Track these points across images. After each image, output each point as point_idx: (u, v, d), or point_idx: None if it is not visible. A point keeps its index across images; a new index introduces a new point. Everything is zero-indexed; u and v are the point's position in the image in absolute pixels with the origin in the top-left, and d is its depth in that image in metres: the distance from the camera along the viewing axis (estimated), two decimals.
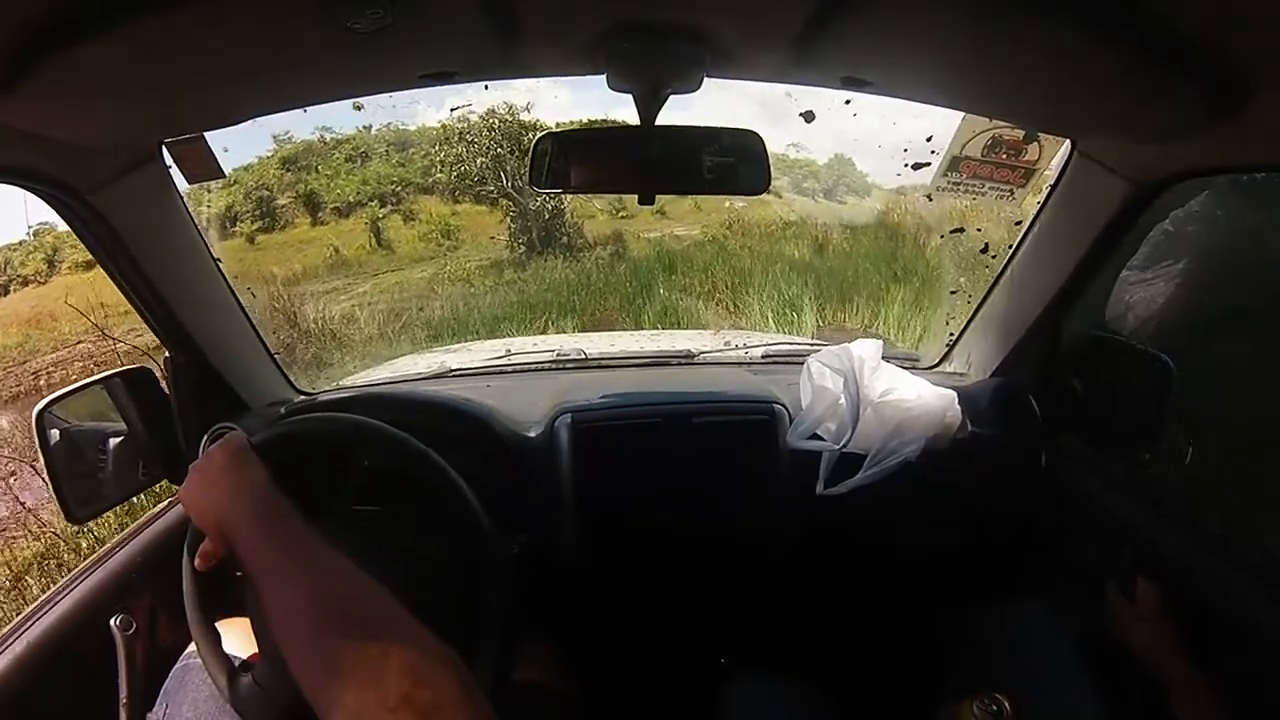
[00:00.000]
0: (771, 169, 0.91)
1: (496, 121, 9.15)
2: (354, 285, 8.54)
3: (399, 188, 10.05)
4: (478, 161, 9.22)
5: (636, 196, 0.93)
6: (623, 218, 9.81)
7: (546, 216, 9.06)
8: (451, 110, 9.27)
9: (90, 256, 0.95)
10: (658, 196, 0.95)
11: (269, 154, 10.32)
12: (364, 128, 10.40)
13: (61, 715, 0.86)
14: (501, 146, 9.08)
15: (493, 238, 9.28)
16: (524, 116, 9.33)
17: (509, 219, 9.24)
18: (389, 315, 6.97)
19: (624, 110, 0.82)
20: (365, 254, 9.50)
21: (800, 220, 9.22)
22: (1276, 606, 0.83)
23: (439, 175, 9.65)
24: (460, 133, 9.29)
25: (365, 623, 0.49)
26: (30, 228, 10.35)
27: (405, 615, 0.50)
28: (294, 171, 10.34)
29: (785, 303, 6.37)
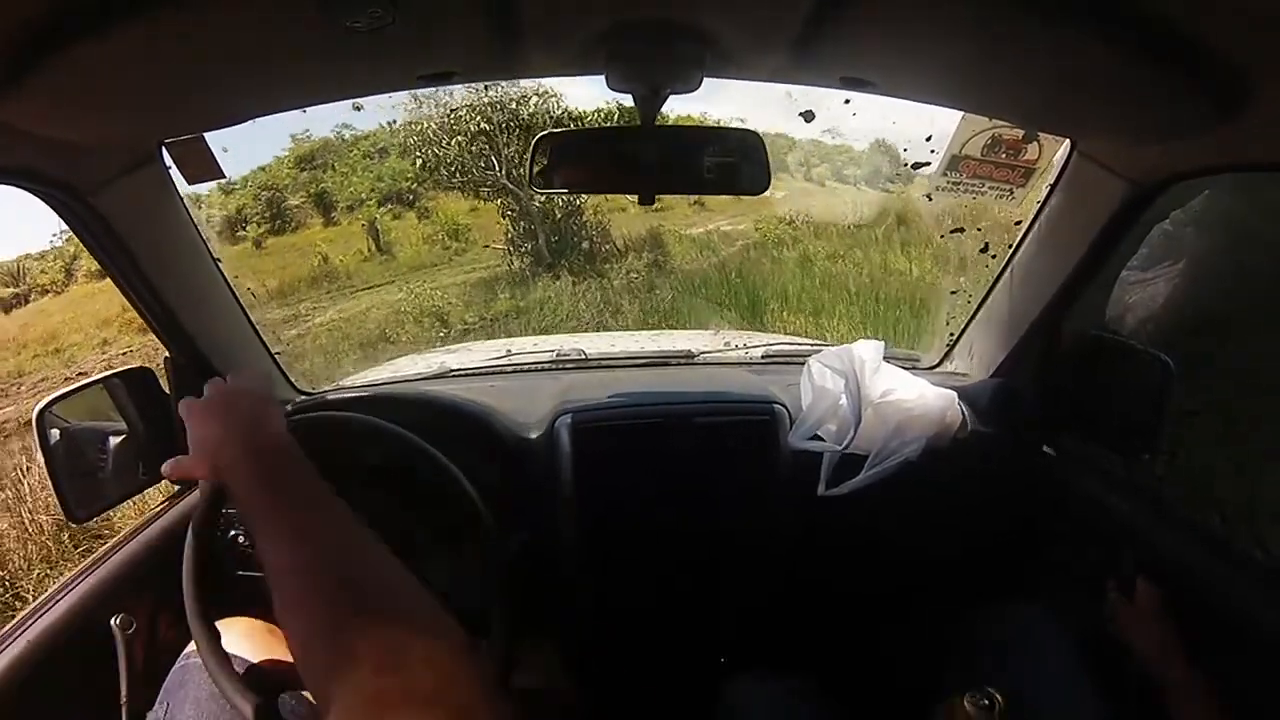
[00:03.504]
0: (771, 168, 0.91)
1: (498, 109, 7.67)
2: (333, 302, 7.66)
3: (412, 184, 9.16)
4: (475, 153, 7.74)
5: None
6: (656, 211, 8.29)
7: (558, 217, 7.60)
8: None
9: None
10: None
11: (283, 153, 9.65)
12: (388, 124, 9.55)
13: (61, 714, 0.86)
14: (503, 137, 7.58)
15: (487, 246, 8.14)
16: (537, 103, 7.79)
17: (511, 220, 7.81)
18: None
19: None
20: (360, 261, 8.59)
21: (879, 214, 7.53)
22: (1276, 606, 0.83)
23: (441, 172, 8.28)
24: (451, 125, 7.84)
25: (384, 594, 0.45)
26: (55, 235, 10.20)
27: (425, 593, 0.46)
28: (309, 170, 9.72)
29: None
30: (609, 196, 7.69)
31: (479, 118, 7.53)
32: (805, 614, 1.28)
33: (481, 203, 8.39)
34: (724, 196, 7.80)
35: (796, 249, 7.51)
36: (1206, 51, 0.55)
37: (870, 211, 7.82)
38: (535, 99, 7.61)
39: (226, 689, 0.76)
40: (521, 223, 7.85)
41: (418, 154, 8.04)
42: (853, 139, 9.74)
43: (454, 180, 7.98)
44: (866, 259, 6.81)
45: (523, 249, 7.89)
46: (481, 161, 7.72)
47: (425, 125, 7.81)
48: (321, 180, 9.65)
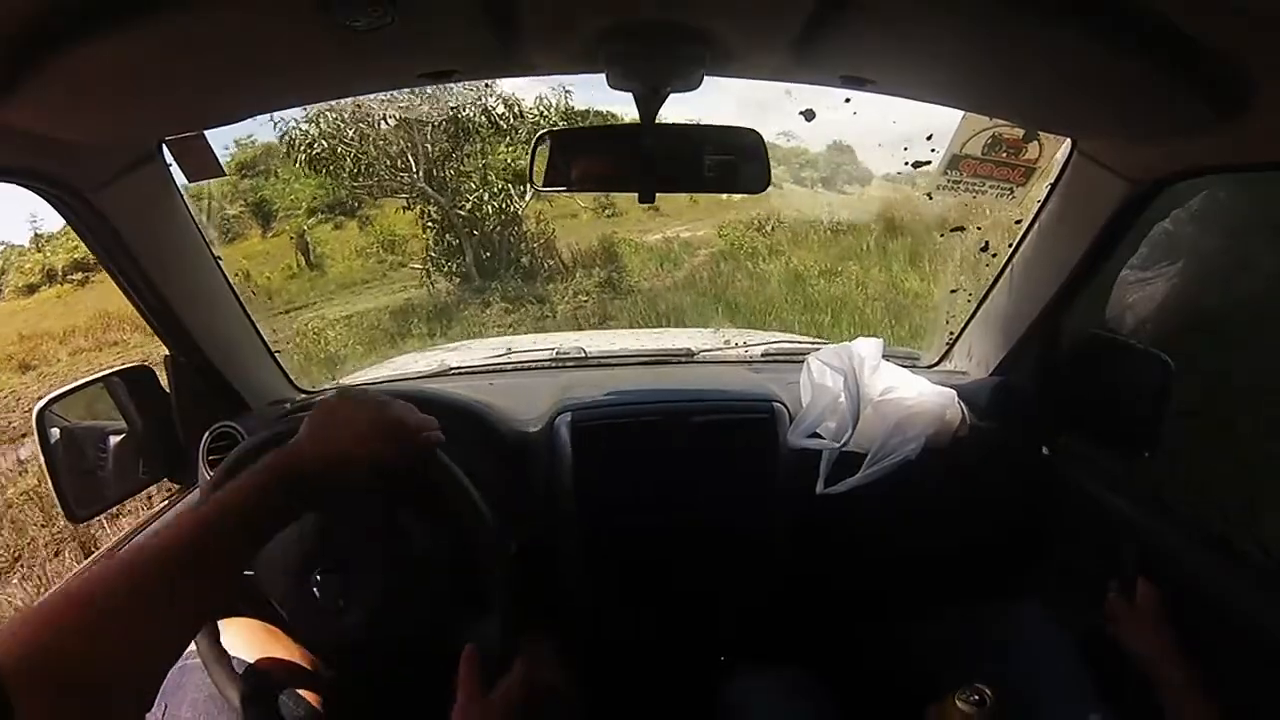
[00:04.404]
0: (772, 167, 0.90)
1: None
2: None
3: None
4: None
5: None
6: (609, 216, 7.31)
7: (490, 227, 6.09)
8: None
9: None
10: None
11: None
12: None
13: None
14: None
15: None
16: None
17: (433, 232, 6.27)
18: None
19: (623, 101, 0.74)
20: (287, 278, 7.37)
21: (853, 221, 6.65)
22: (1276, 606, 0.84)
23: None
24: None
25: None
26: (33, 224, 9.69)
27: None
28: (251, 178, 8.36)
29: None
30: (554, 201, 7.04)
31: (392, 106, 6.07)
32: (804, 612, 1.29)
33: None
34: (679, 201, 7.45)
35: (776, 261, 6.45)
36: (1206, 51, 0.55)
37: (848, 215, 7.10)
38: (462, 86, 6.32)
39: (225, 688, 0.77)
40: (446, 236, 6.46)
41: (319, 150, 6.43)
42: (809, 142, 9.37)
43: (357, 183, 6.61)
44: (865, 273, 5.98)
45: (446, 268, 6.49)
46: (389, 160, 6.25)
47: (337, 115, 6.30)
48: (261, 188, 8.54)
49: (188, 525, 0.57)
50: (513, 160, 6.82)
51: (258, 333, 1.20)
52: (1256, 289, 1.15)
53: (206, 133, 0.92)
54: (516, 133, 6.65)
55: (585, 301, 6.03)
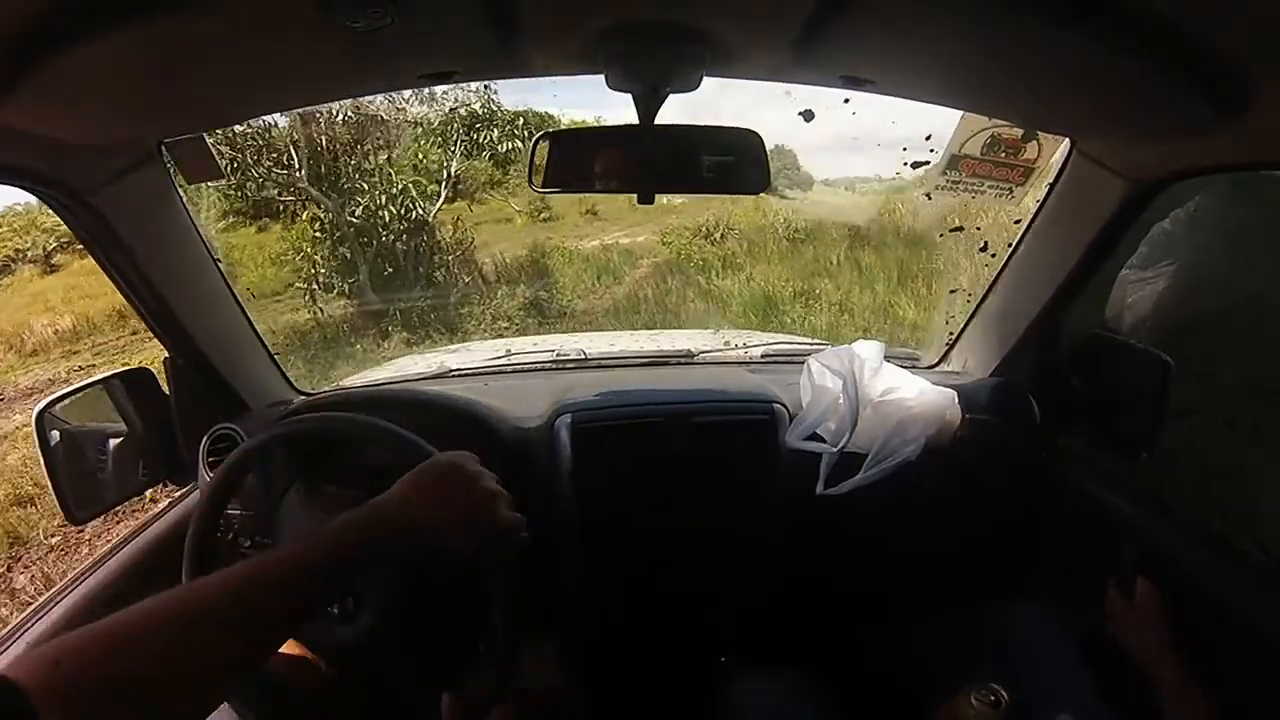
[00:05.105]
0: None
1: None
2: None
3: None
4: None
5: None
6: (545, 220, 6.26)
7: (387, 237, 4.96)
8: None
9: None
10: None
11: None
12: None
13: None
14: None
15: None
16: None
17: (318, 244, 5.06)
18: None
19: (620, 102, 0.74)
20: None
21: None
22: (1276, 607, 0.84)
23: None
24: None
25: None
26: None
27: None
28: None
29: None
30: (489, 203, 6.37)
31: None
32: (805, 613, 1.29)
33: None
34: (617, 202, 6.72)
35: (734, 276, 5.30)
36: (1206, 51, 0.56)
37: (803, 223, 6.34)
38: None
39: None
40: (339, 248, 5.20)
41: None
42: None
43: (230, 186, 5.53)
44: (847, 296, 5.08)
45: (337, 287, 5.16)
46: (274, 154, 5.07)
47: None
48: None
49: (276, 561, 0.57)
50: (423, 156, 5.93)
51: (257, 334, 1.20)
52: (1258, 288, 1.15)
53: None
54: (431, 124, 5.97)
55: (506, 329, 4.89)
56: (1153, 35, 0.54)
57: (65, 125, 0.73)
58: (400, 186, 5.50)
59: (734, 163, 0.89)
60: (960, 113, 1.08)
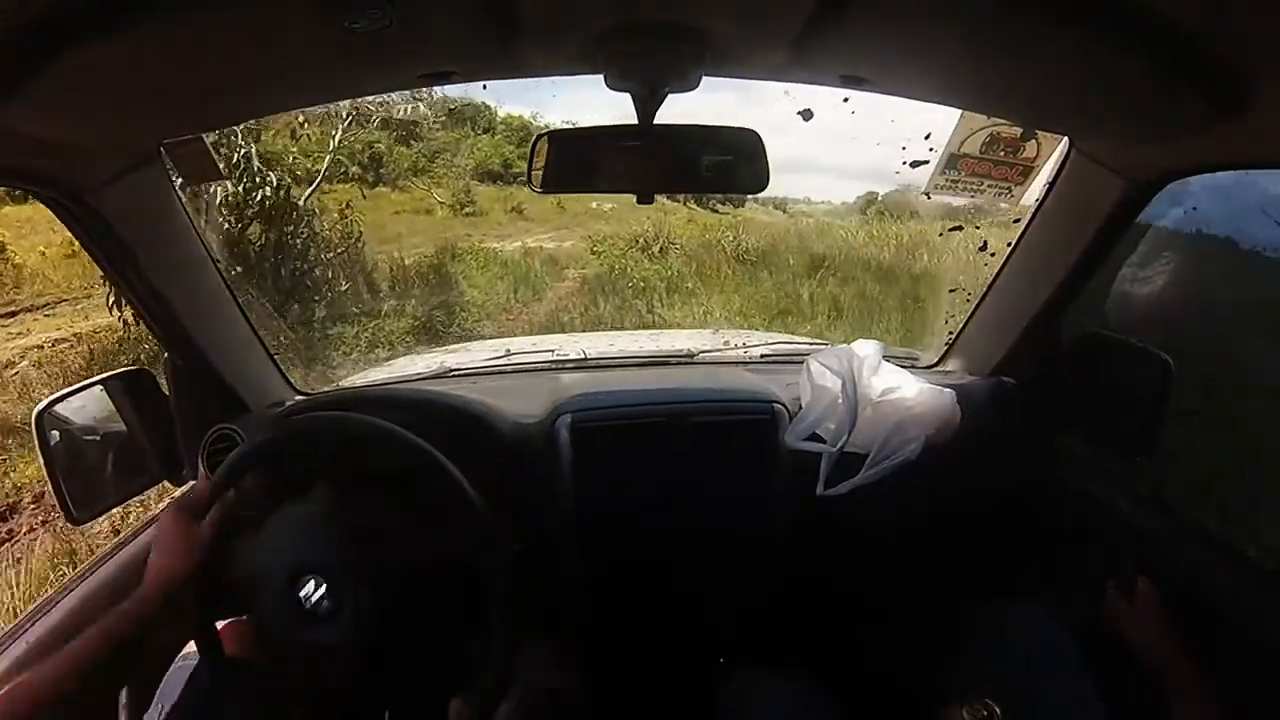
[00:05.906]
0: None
1: None
2: None
3: None
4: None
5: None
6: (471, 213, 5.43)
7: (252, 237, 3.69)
8: None
9: None
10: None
11: None
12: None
13: (60, 715, 0.86)
14: None
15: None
16: None
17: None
18: None
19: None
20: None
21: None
22: (1276, 606, 0.84)
23: None
24: None
25: None
26: None
27: None
28: None
29: None
30: (409, 189, 5.81)
31: None
32: (804, 613, 1.29)
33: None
34: (544, 204, 6.34)
35: (687, 306, 4.21)
36: (1205, 51, 0.56)
37: (753, 241, 5.54)
38: None
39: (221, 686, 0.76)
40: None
41: None
42: None
43: None
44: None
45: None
46: None
47: None
48: None
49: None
50: (292, 141, 4.78)
51: (256, 335, 1.20)
52: (1257, 287, 1.15)
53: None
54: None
55: (385, 358, 3.58)
56: (1152, 35, 0.54)
57: (65, 126, 0.73)
58: (258, 170, 4.07)
59: (733, 162, 0.89)
60: (960, 111, 1.08)
